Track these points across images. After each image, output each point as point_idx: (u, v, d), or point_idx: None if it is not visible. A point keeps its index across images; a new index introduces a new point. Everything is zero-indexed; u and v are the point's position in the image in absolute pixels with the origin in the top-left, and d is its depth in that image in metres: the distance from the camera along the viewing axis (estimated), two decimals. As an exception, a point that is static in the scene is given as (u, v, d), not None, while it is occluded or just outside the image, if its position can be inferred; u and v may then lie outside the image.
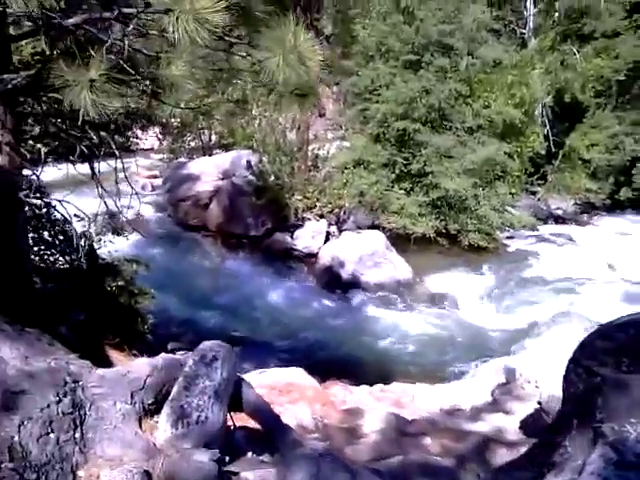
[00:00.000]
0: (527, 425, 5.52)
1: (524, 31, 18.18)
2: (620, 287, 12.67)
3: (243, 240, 14.64)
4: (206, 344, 3.63)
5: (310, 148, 15.69)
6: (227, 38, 4.36)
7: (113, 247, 6.90)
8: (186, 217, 15.46)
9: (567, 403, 2.72)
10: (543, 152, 16.50)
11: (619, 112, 17.13)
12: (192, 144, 18.56)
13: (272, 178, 14.84)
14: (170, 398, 3.27)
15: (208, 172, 15.69)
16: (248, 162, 15.28)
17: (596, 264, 13.85)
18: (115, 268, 6.52)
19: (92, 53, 3.74)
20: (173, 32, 3.34)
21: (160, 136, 18.61)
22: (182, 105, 6.19)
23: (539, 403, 5.61)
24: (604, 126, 16.75)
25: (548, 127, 16.79)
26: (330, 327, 11.03)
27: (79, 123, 4.09)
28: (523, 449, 4.81)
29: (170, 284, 10.94)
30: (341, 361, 9.48)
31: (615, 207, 17.76)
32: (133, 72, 4.23)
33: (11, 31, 4.55)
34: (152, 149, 19.67)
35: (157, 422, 3.24)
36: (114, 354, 5.26)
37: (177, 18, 3.30)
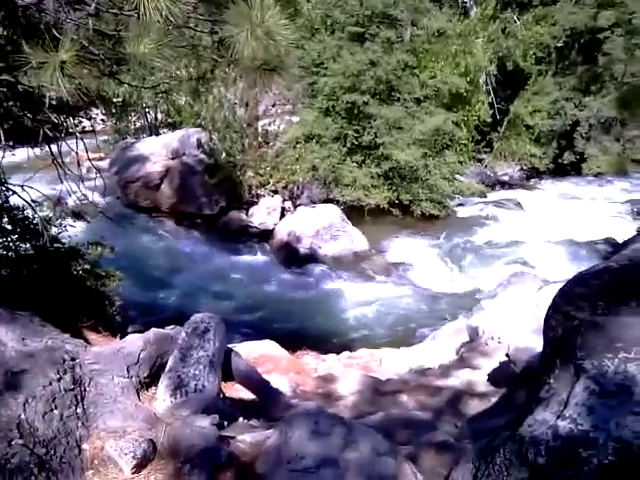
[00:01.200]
0: (494, 377, 5.83)
1: (466, 0, 18.44)
2: (567, 247, 13.26)
3: (197, 220, 14.52)
4: (197, 316, 3.71)
5: (260, 124, 15.59)
6: (194, 15, 4.34)
7: (67, 233, 6.79)
8: (136, 198, 15.18)
9: (548, 346, 2.93)
10: (489, 120, 16.92)
11: (559, 78, 17.72)
12: (138, 124, 18.11)
13: (223, 156, 14.71)
14: (167, 369, 3.36)
15: (157, 152, 15.39)
16: (198, 140, 15.08)
17: (543, 226, 14.42)
18: (79, 252, 6.42)
19: (56, 34, 3.67)
20: (144, 10, 3.31)
21: (103, 117, 18.07)
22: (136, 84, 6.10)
23: (507, 355, 5.92)
24: (546, 92, 17.31)
25: (492, 95, 17.20)
26: (293, 300, 11.16)
27: (44, 106, 4.01)
28: (493, 399, 5.11)
29: (127, 266, 10.74)
30: (308, 332, 9.64)
31: (558, 171, 18.47)
32: (96, 52, 4.17)
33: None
34: (95, 130, 19.09)
35: (155, 394, 3.31)
36: (91, 335, 5.24)
37: (148, -5, 3.27)
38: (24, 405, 2.58)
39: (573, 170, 18.27)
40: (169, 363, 3.44)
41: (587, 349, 2.55)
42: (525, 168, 18.21)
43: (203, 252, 13.32)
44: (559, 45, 17.44)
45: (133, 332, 6.92)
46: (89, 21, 3.91)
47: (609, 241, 13.12)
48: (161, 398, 3.27)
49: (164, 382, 3.33)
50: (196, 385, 3.34)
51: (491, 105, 17.10)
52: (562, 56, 17.90)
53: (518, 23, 17.29)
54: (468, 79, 15.92)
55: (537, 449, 2.43)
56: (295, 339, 8.68)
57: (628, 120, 15.23)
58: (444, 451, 3.81)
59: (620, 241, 12.72)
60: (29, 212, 5.94)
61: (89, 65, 4.08)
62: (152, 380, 3.42)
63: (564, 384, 2.57)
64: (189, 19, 4.29)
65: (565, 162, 18.25)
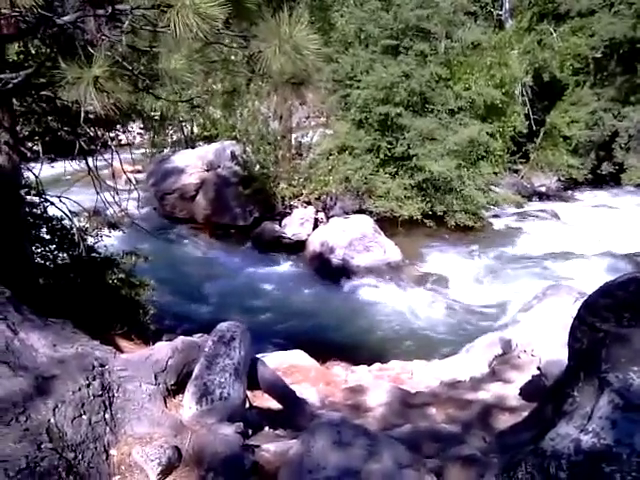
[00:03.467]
0: (526, 391, 5.73)
1: (501, 12, 18.35)
2: (605, 259, 12.97)
3: (231, 230, 14.73)
4: (223, 325, 3.77)
5: (293, 136, 15.77)
6: (224, 31, 4.46)
7: (102, 243, 6.98)
8: (173, 210, 15.51)
9: (573, 358, 2.90)
10: (525, 131, 16.72)
11: (597, 89, 17.41)
12: (174, 137, 18.49)
13: (257, 168, 14.91)
14: (193, 377, 3.43)
15: (192, 164, 15.71)
16: (232, 153, 15.32)
17: (581, 238, 14.16)
18: (114, 261, 6.60)
19: (91, 51, 3.82)
20: (175, 27, 3.43)
21: (141, 130, 18.52)
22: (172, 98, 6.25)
23: (538, 368, 5.81)
24: (583, 103, 17.03)
25: (528, 106, 16.99)
26: (324, 311, 11.19)
27: (80, 120, 4.16)
28: (524, 413, 5.02)
29: (162, 276, 10.99)
30: (339, 343, 9.64)
31: (597, 182, 18.12)
32: (129, 68, 4.32)
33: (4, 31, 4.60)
34: (133, 144, 19.58)
35: (181, 401, 3.38)
36: (123, 343, 5.37)
37: (177, 13, 3.39)
38: (54, 410, 2.66)
39: (612, 181, 17.89)
40: (195, 371, 3.51)
41: (612, 361, 2.51)
42: (562, 179, 17.90)
43: (236, 263, 13.48)
44: (597, 56, 17.15)
45: (168, 340, 7.08)
46: (122, 38, 4.06)
47: (649, 253, 12.81)
48: (187, 405, 3.34)
49: (190, 389, 3.39)
50: (221, 393, 3.39)
51: (527, 116, 16.90)
52: (600, 67, 17.59)
53: (554, 35, 17.09)
54: (503, 90, 15.79)
55: (559, 463, 2.40)
56: (325, 350, 8.68)
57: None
58: (470, 465, 3.77)
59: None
60: (66, 222, 6.15)
61: (122, 80, 4.23)
62: (179, 387, 3.48)
63: (588, 397, 2.54)
64: (220, 35, 4.41)
65: (604, 173, 17.88)
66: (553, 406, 3.51)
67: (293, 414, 4.06)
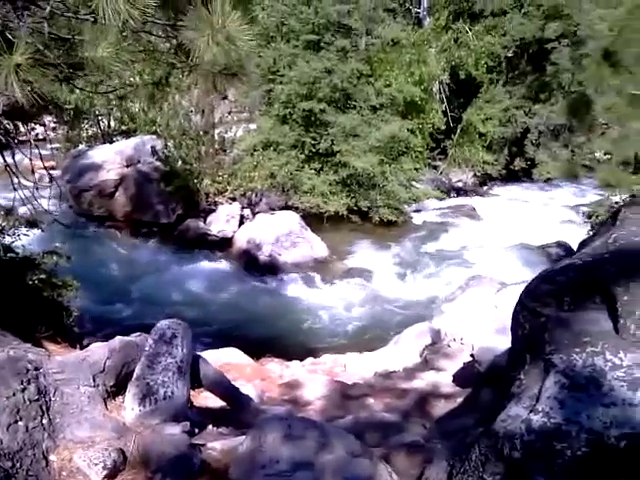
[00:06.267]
0: (459, 378, 5.93)
1: (419, 10, 18.80)
2: (519, 250, 13.60)
3: (154, 228, 14.28)
4: (163, 323, 3.65)
5: (216, 131, 15.51)
6: (153, 19, 4.29)
7: (20, 242, 6.60)
8: (90, 207, 14.84)
9: (517, 342, 3.01)
10: (443, 127, 17.23)
11: (510, 87, 18.17)
12: (90, 132, 17.71)
13: (179, 163, 14.54)
14: (134, 377, 3.30)
15: (111, 160, 15.08)
16: (153, 148, 14.87)
17: (497, 231, 14.77)
18: (34, 262, 6.23)
19: (10, 37, 3.57)
20: (103, 13, 3.26)
21: (54, 124, 17.61)
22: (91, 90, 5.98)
23: (472, 356, 6.03)
24: (497, 100, 17.72)
25: (446, 103, 17.53)
26: (254, 308, 11.09)
27: (-1, 112, 3.89)
28: (459, 399, 5.20)
29: (83, 276, 10.46)
30: (271, 339, 9.59)
31: (510, 177, 18.96)
32: (51, 56, 4.07)
33: None
34: (46, 139, 18.61)
35: (122, 402, 3.24)
36: (50, 347, 5.08)
37: (106, -1, 3.22)
38: (-13, 417, 2.48)
39: (524, 176, 18.78)
40: (136, 371, 3.38)
41: (555, 344, 2.63)
42: (478, 174, 18.61)
43: (160, 261, 13.10)
44: (509, 55, 17.95)
45: (89, 343, 6.76)
46: (44, 25, 3.82)
47: (560, 244, 13.50)
48: (129, 407, 3.21)
49: (132, 390, 3.26)
50: (165, 392, 3.28)
51: (445, 113, 17.43)
52: (512, 65, 18.42)
53: (470, 33, 17.73)
54: (422, 87, 16.22)
55: (512, 443, 2.48)
56: (258, 346, 8.62)
57: (576, 127, 15.74)
58: (415, 451, 3.86)
59: (570, 244, 13.18)
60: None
61: (44, 69, 3.99)
62: (119, 389, 3.35)
63: (535, 379, 2.64)
64: (146, 24, 4.24)
65: (516, 168, 18.75)
66: (494, 390, 3.64)
67: (237, 411, 3.98)
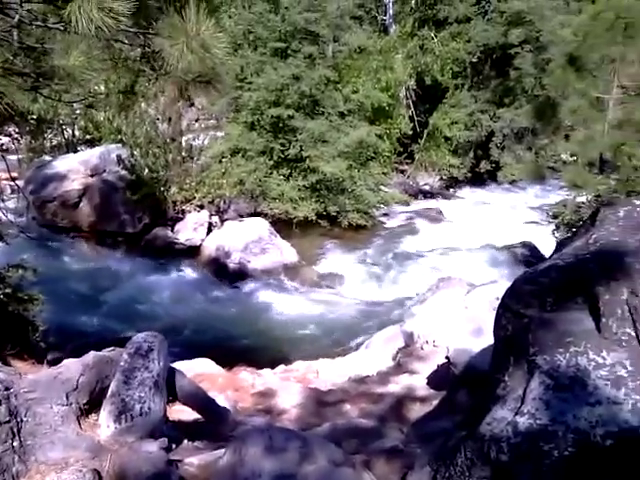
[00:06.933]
0: (433, 381, 5.94)
1: (385, 18, 19.00)
2: (486, 252, 13.76)
3: (120, 238, 14.00)
4: (139, 336, 3.55)
5: (184, 139, 15.33)
6: (126, 27, 4.21)
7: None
8: (54, 218, 14.49)
9: (500, 344, 3.00)
10: (410, 132, 17.42)
11: (474, 92, 18.50)
12: (54, 141, 17.33)
13: (146, 172, 14.32)
14: (109, 394, 3.19)
15: (75, 170, 14.76)
16: (118, 157, 14.60)
17: (464, 233, 14.91)
18: (-1, 275, 6.03)
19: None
20: (76, 22, 3.18)
21: (16, 135, 17.17)
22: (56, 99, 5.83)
23: (447, 358, 6.04)
24: (462, 105, 18.01)
25: (412, 108, 17.74)
26: (224, 316, 10.96)
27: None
28: (434, 402, 5.20)
29: (49, 289, 10.24)
30: (242, 348, 9.49)
31: (476, 179, 19.25)
32: (20, 65, 3.97)
33: None
34: (8, 149, 18.14)
35: (97, 420, 3.13)
36: (17, 364, 4.89)
37: (79, 7, 3.14)
38: (-43, 440, 2.35)
39: (490, 178, 19.08)
40: (111, 387, 3.27)
41: (539, 345, 2.63)
42: (445, 178, 18.87)
43: (128, 271, 12.85)
44: (474, 60, 18.26)
45: (56, 358, 6.55)
46: (13, 33, 3.71)
47: (525, 244, 13.74)
48: (104, 424, 3.10)
49: (107, 407, 3.15)
50: (142, 408, 3.18)
51: (411, 118, 17.64)
52: (477, 71, 18.75)
53: (435, 40, 17.99)
54: (389, 93, 16.40)
55: (499, 446, 2.47)
56: (230, 356, 8.50)
57: (539, 130, 16.06)
58: (395, 457, 3.83)
59: (535, 244, 13.43)
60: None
61: (12, 79, 3.87)
62: (93, 406, 3.23)
63: (519, 381, 2.64)
64: (119, 32, 4.16)
65: (482, 171, 19.05)
66: (475, 391, 3.63)
67: (214, 424, 3.89)
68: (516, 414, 2.50)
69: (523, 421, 2.45)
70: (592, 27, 8.75)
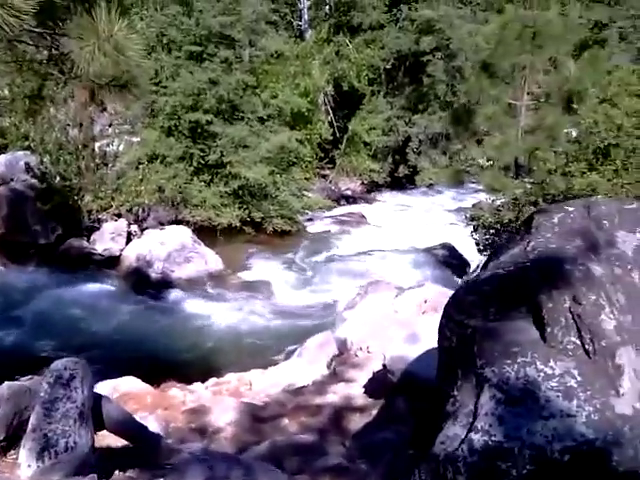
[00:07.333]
0: (370, 389, 5.93)
1: (300, 23, 19.06)
2: (409, 254, 14.10)
3: (31, 250, 13.21)
4: (59, 363, 3.27)
5: (97, 145, 14.72)
6: (32, 27, 3.96)
7: None
8: (-44, 231, 13.52)
9: (445, 356, 2.99)
10: (330, 138, 17.58)
11: (390, 98, 18.95)
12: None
13: (57, 180, 13.65)
14: (29, 429, 2.92)
15: (-21, 179, 13.85)
16: (27, 164, 13.80)
17: (386, 236, 15.21)
18: None
19: None
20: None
21: None
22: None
23: (384, 366, 6.06)
24: (379, 111, 18.39)
25: (331, 114, 17.91)
26: (149, 330, 10.54)
27: None
28: (374, 411, 5.20)
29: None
30: (170, 362, 9.14)
31: (395, 184, 19.70)
32: None
33: None
34: None
35: (16, 459, 2.86)
36: None
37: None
38: None
39: (408, 182, 19.57)
40: (31, 421, 2.98)
41: (486, 356, 2.63)
42: (366, 182, 19.18)
43: (41, 285, 12.11)
44: (388, 67, 18.69)
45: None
46: None
47: (445, 246, 14.20)
48: (25, 463, 2.83)
49: (27, 444, 2.88)
50: (66, 443, 2.93)
51: (331, 124, 17.82)
52: (391, 77, 19.20)
53: (350, 46, 18.25)
54: (308, 99, 16.50)
55: (455, 467, 2.41)
56: (157, 371, 8.15)
57: (452, 135, 16.61)
58: (339, 475, 3.77)
59: (453, 245, 13.90)
60: None
61: None
62: (11, 443, 2.94)
63: (469, 395, 2.61)
64: (22, 31, 3.90)
65: (400, 175, 19.54)
66: (405, 401, 3.62)
67: (146, 452, 3.68)
68: (469, 431, 2.45)
69: (477, 438, 2.39)
70: (502, 36, 9.13)
